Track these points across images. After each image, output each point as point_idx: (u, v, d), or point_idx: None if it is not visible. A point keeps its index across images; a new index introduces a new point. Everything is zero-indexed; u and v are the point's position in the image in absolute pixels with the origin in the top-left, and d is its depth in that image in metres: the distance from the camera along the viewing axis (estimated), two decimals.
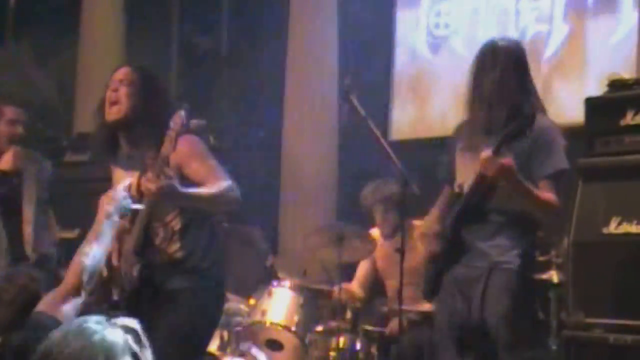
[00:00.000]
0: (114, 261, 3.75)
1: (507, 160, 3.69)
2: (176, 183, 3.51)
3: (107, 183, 7.28)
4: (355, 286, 5.65)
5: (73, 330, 1.99)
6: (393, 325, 5.19)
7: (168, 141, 3.52)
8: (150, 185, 3.49)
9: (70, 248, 6.98)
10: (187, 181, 3.62)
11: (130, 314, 3.46)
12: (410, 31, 7.70)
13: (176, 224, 3.73)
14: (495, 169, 3.69)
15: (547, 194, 3.80)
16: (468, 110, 3.92)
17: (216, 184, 3.62)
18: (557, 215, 3.96)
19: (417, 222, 5.38)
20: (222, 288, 3.91)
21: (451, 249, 3.90)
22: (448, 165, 4.04)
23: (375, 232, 5.64)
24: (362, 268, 5.70)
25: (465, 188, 3.87)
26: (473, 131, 3.87)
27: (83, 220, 7.09)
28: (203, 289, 3.74)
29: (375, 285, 5.65)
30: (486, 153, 3.69)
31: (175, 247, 3.73)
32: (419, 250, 5.17)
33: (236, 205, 3.70)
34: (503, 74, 3.82)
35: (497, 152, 3.69)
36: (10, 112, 5.11)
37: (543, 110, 3.93)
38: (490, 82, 3.82)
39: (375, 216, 5.55)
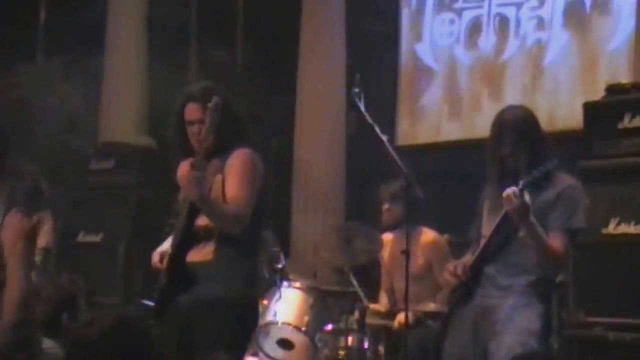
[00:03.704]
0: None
1: (527, 199, 3.57)
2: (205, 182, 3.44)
3: (129, 189, 7.21)
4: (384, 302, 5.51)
5: None
6: (400, 319, 5.06)
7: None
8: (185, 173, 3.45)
9: (94, 252, 6.96)
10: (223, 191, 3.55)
11: None
12: (415, 41, 7.59)
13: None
14: (514, 204, 3.56)
15: (555, 243, 3.65)
16: (490, 176, 3.82)
17: (234, 206, 3.51)
18: (560, 268, 3.83)
19: (424, 229, 5.30)
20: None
21: (469, 284, 3.79)
22: (477, 226, 3.93)
23: (386, 236, 5.48)
24: (384, 278, 5.55)
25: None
26: (497, 193, 3.72)
27: (107, 225, 7.09)
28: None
29: None
30: (511, 189, 3.57)
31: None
32: (418, 256, 5.14)
33: (233, 232, 3.55)
34: (513, 149, 3.71)
35: (521, 191, 3.57)
36: None
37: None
38: (503, 155, 3.73)
39: (382, 209, 5.40)
